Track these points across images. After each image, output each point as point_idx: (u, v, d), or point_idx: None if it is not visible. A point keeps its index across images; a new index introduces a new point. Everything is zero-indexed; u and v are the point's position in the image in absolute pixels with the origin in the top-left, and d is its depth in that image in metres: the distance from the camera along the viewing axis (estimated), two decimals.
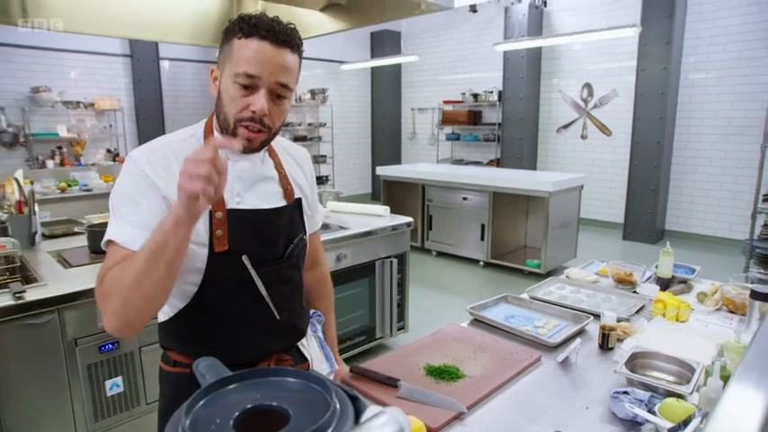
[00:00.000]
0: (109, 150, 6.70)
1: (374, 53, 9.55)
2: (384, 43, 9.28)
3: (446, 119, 8.81)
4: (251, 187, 1.11)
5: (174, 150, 1.05)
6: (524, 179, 5.30)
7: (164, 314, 1.11)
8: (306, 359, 1.24)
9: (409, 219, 3.31)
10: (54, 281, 1.96)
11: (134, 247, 0.94)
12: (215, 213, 1.04)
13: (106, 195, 5.65)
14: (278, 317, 1.12)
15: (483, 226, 5.42)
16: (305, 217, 1.22)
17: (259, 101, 0.99)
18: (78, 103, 6.28)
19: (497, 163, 8.10)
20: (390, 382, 1.22)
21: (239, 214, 1.07)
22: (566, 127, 7.58)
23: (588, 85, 7.23)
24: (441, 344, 1.47)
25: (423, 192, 5.97)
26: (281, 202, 1.15)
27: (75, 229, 2.81)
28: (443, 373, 1.28)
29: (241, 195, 1.09)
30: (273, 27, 0.98)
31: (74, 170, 6.15)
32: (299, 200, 1.19)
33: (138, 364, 2.09)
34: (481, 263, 5.55)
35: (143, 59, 6.90)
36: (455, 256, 5.82)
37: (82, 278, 2.01)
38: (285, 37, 0.99)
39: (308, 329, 1.29)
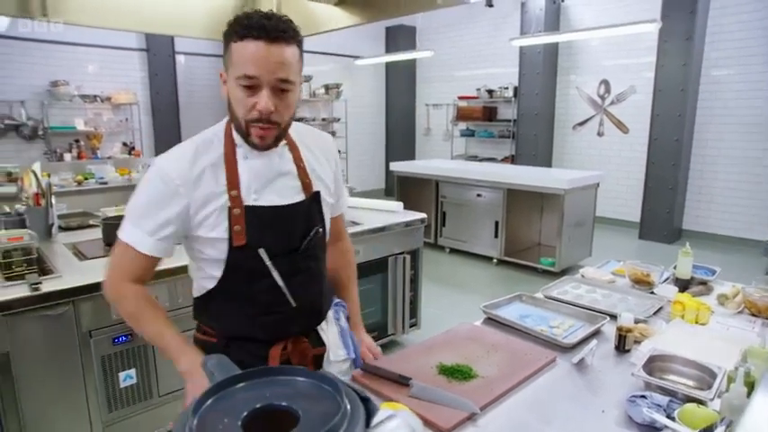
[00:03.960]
0: (125, 144, 6.76)
1: (389, 48, 9.49)
2: (399, 38, 9.22)
3: (461, 115, 8.74)
4: (268, 184, 1.15)
5: (199, 152, 1.11)
6: (539, 176, 5.24)
7: (196, 291, 1.23)
8: (323, 344, 1.30)
9: (423, 215, 3.29)
10: (69, 273, 1.98)
11: (140, 249, 1.13)
12: (233, 210, 1.10)
13: (121, 188, 5.68)
14: (293, 304, 1.19)
15: (497, 223, 5.37)
16: (324, 208, 1.25)
17: (262, 100, 1.02)
18: (95, 96, 6.34)
19: (512, 160, 8.02)
20: (402, 381, 1.20)
21: (256, 211, 1.12)
22: (582, 124, 7.48)
23: (605, 82, 7.12)
24: (453, 342, 1.46)
25: (436, 188, 5.93)
26: (299, 197, 1.19)
27: (91, 222, 2.83)
28: (456, 373, 1.26)
29: (258, 192, 1.14)
30: (264, 25, 0.99)
31: (90, 163, 6.23)
32: (318, 193, 1.23)
33: (152, 356, 2.11)
34: (494, 260, 5.51)
35: (159, 54, 6.94)
36: (468, 253, 5.77)
37: (96, 270, 2.02)
38: (277, 32, 1.00)
39: (331, 316, 1.35)
